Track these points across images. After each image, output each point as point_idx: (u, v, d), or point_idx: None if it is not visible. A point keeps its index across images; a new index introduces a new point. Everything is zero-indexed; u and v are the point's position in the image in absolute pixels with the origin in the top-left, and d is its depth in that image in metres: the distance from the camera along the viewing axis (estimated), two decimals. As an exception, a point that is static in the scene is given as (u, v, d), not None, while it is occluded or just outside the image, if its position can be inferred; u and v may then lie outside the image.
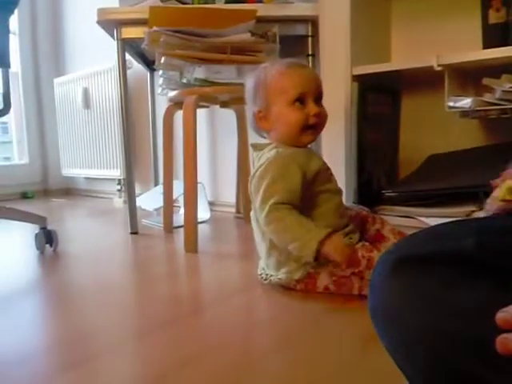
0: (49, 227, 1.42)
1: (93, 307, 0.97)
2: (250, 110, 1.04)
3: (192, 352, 0.74)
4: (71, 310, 0.95)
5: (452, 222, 0.53)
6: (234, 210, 1.96)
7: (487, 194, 1.22)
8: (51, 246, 1.41)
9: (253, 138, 1.82)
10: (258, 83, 1.01)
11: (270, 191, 0.93)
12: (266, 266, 1.04)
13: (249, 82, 1.04)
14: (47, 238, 1.40)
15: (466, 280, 0.42)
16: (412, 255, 0.46)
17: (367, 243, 0.99)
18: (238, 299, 0.98)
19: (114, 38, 1.63)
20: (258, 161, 1.02)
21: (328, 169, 1.03)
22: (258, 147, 1.05)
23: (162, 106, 1.72)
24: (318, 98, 0.99)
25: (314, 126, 0.98)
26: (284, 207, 0.92)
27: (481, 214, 1.17)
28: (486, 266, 0.41)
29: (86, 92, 2.66)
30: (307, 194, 0.96)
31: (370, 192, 1.42)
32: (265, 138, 1.06)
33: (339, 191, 1.04)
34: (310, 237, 0.89)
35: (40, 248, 1.40)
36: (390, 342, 0.48)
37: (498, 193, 0.66)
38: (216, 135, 2.18)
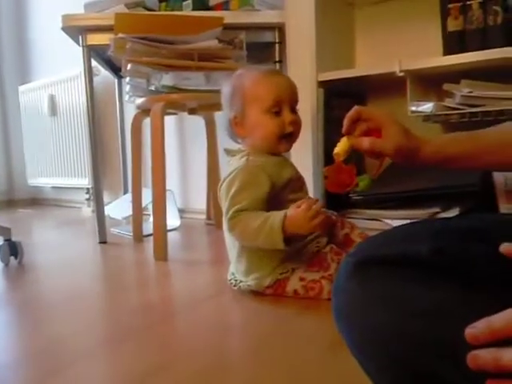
0: (14, 238, 1.38)
1: (61, 318, 0.95)
2: (225, 115, 1.04)
3: (163, 359, 0.73)
4: (39, 323, 0.93)
5: (410, 223, 0.54)
6: (204, 216, 1.95)
7: (446, 196, 1.26)
8: (16, 258, 1.38)
9: (222, 144, 1.83)
10: (234, 89, 1.01)
11: (235, 199, 0.94)
12: (235, 271, 1.04)
13: (225, 88, 1.04)
14: (12, 250, 1.36)
15: (423, 282, 0.43)
16: (371, 257, 0.47)
17: (335, 246, 1.01)
18: (208, 305, 0.98)
19: (79, 45, 1.61)
20: (229, 166, 1.03)
21: (300, 178, 1.05)
22: (230, 152, 1.05)
23: (130, 112, 1.71)
24: (293, 105, 1.00)
25: (289, 135, 0.99)
26: (244, 212, 0.93)
27: (445, 215, 1.20)
28: (441, 269, 0.43)
29: (52, 99, 2.61)
30: (276, 202, 0.97)
31: (337, 196, 1.43)
32: (239, 143, 1.06)
33: (315, 200, 1.05)
34: (270, 226, 0.89)
35: (4, 260, 1.36)
36: (354, 344, 0.49)
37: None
38: (185, 142, 2.17)
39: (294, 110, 1.00)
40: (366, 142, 0.74)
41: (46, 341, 0.82)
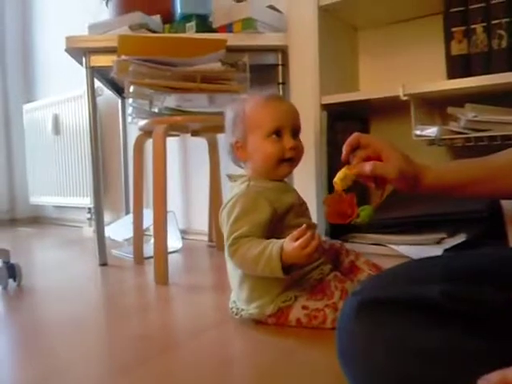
0: (12, 260, 1.36)
1: (60, 346, 0.92)
2: (228, 140, 1.04)
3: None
4: (37, 349, 0.90)
5: (417, 260, 0.52)
6: (206, 238, 1.93)
7: (455, 222, 1.23)
8: (15, 280, 1.35)
9: (225, 166, 1.82)
10: (236, 115, 1.01)
11: (235, 226, 0.92)
12: (237, 299, 1.02)
13: (228, 113, 1.04)
14: (10, 273, 1.34)
15: (428, 325, 0.41)
16: (377, 298, 0.45)
17: (339, 274, 0.99)
18: (209, 335, 0.95)
19: (82, 66, 1.62)
20: (230, 191, 1.02)
21: (303, 203, 1.03)
22: (232, 178, 1.04)
23: (133, 132, 1.71)
24: (295, 131, 0.99)
25: (290, 159, 0.98)
26: (244, 239, 0.91)
27: (451, 241, 1.18)
28: (449, 312, 0.41)
29: (56, 118, 2.62)
30: (279, 228, 0.95)
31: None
32: (242, 168, 1.06)
33: (313, 226, 1.04)
34: (269, 255, 0.87)
35: (2, 283, 1.34)
36: (359, 385, 0.47)
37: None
38: (188, 163, 2.16)
39: (295, 136, 0.99)
40: (367, 167, 0.73)
41: (42, 371, 0.79)
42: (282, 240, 0.87)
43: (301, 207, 1.01)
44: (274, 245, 0.87)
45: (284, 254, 0.85)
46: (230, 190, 1.02)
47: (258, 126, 0.97)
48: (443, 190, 0.74)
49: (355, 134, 0.76)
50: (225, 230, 0.96)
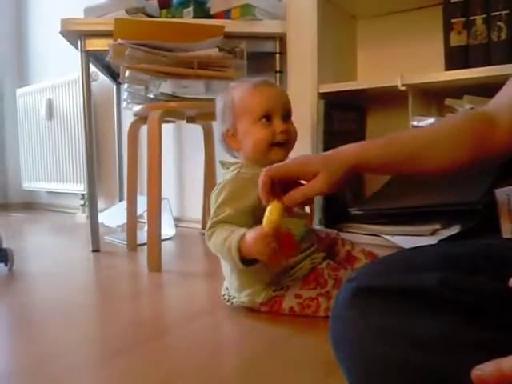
0: (4, 245, 1.35)
1: (52, 332, 0.92)
2: (219, 130, 1.03)
3: (154, 379, 0.70)
4: (29, 335, 0.90)
5: (413, 248, 0.52)
6: (200, 226, 1.92)
7: (447, 213, 1.23)
8: (6, 265, 1.34)
9: (220, 153, 1.80)
10: (226, 103, 1.00)
11: (218, 211, 0.92)
12: (229, 287, 1.02)
13: (218, 103, 1.03)
14: (2, 257, 1.33)
15: (426, 313, 0.41)
16: (372, 286, 0.45)
17: (332, 262, 0.98)
18: (201, 322, 0.95)
19: (78, 50, 1.59)
20: (222, 178, 1.01)
21: None
22: (225, 165, 1.03)
23: (128, 118, 1.69)
24: (285, 115, 0.97)
25: (281, 144, 0.96)
26: (222, 224, 0.90)
27: (445, 232, 1.18)
28: (445, 301, 0.40)
29: (49, 103, 2.59)
30: None
31: (336, 210, 1.41)
32: (236, 157, 1.05)
33: (305, 216, 1.02)
34: (229, 244, 0.83)
35: (-6, 267, 1.33)
36: (352, 374, 0.46)
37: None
38: (183, 150, 2.15)
39: (286, 120, 0.98)
40: (298, 195, 0.66)
41: (34, 358, 0.79)
42: (244, 229, 0.83)
43: None
44: (236, 235, 0.83)
45: (243, 244, 0.81)
46: (222, 177, 1.01)
47: (246, 112, 0.96)
48: (368, 171, 0.71)
49: (264, 176, 0.67)
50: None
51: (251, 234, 0.80)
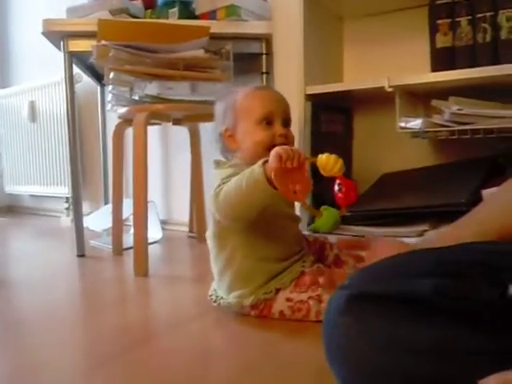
0: (-15, 251, 1.32)
1: (36, 340, 0.89)
2: (217, 130, 1.02)
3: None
4: (11, 344, 0.87)
5: (406, 254, 0.51)
6: (187, 228, 1.91)
7: (435, 214, 1.24)
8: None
9: (207, 155, 1.79)
10: (227, 105, 1.00)
11: (219, 186, 0.89)
12: (217, 288, 1.00)
13: (218, 105, 1.03)
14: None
15: (421, 321, 0.40)
16: (366, 292, 0.44)
17: (322, 266, 0.98)
18: (190, 328, 0.93)
19: (60, 51, 1.56)
20: (214, 178, 0.99)
21: None
22: (219, 165, 1.01)
23: (113, 120, 1.66)
24: (285, 120, 0.98)
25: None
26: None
27: (431, 233, 1.18)
28: (441, 308, 0.40)
29: (32, 105, 2.54)
30: (262, 218, 0.93)
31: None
32: (229, 160, 1.02)
33: (298, 219, 1.04)
34: (252, 169, 0.83)
35: (-25, 274, 1.29)
36: (345, 380, 0.46)
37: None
38: (169, 153, 2.13)
39: (286, 125, 0.98)
40: None
41: (17, 366, 0.77)
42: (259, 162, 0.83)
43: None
44: (255, 168, 0.83)
45: (268, 165, 0.81)
46: (213, 176, 0.99)
47: (248, 113, 0.96)
48: None
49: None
50: (214, 215, 0.93)
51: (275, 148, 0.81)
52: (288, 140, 0.97)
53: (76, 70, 1.99)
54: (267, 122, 0.95)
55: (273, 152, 0.81)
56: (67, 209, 2.42)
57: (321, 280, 0.92)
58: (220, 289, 0.99)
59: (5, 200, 2.85)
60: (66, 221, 2.37)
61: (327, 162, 0.85)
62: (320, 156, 0.86)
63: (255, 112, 0.96)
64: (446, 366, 0.38)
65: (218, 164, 1.01)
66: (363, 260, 1.04)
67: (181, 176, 2.00)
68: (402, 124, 1.26)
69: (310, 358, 0.77)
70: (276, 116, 0.96)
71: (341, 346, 0.44)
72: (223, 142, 1.01)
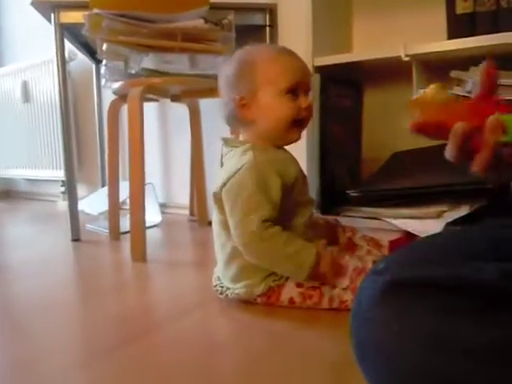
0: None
1: (31, 329, 0.83)
2: (227, 96, 0.89)
3: (144, 381, 0.62)
4: (5, 334, 0.81)
5: (452, 233, 0.42)
6: (187, 212, 1.82)
7: (454, 194, 1.15)
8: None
9: (208, 134, 1.70)
10: (242, 65, 0.87)
11: (252, 203, 0.81)
12: (222, 277, 0.92)
13: (230, 65, 0.90)
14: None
15: (480, 312, 0.32)
16: (408, 279, 0.35)
17: (335, 248, 0.90)
18: (192, 317, 0.85)
19: (51, 23, 1.46)
20: (227, 159, 0.90)
21: (305, 177, 0.93)
22: (229, 143, 0.91)
23: (109, 100, 1.57)
24: (307, 90, 0.89)
25: (302, 121, 0.88)
26: (270, 224, 0.81)
27: (452, 215, 1.10)
28: (508, 298, 0.31)
29: (25, 85, 2.44)
30: (285, 205, 0.85)
31: (333, 193, 1.32)
32: (235, 132, 0.93)
33: (312, 202, 0.95)
34: (302, 261, 0.81)
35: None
36: (380, 382, 0.37)
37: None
38: (168, 132, 2.03)
39: (307, 95, 0.88)
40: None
41: (12, 357, 0.71)
42: (313, 249, 0.83)
43: (304, 180, 0.91)
44: (309, 252, 0.82)
45: (318, 266, 0.82)
46: (226, 158, 0.90)
47: (271, 82, 0.85)
48: None
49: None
50: (229, 207, 0.84)
51: (328, 257, 0.83)
52: (310, 113, 0.89)
53: (71, 47, 1.90)
54: (292, 92, 0.85)
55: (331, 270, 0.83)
56: (63, 192, 2.34)
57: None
58: (225, 278, 0.91)
59: (0, 184, 2.77)
60: (63, 205, 2.28)
61: None
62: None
63: (280, 81, 0.85)
64: (509, 375, 0.30)
65: (226, 143, 0.92)
66: (376, 242, 0.97)
67: (180, 156, 1.91)
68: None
69: (322, 351, 0.70)
70: (301, 86, 0.86)
71: (377, 343, 0.36)
72: (234, 112, 0.88)
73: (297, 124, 0.87)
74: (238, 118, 0.88)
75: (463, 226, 0.98)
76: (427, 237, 0.43)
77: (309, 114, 0.88)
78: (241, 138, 0.92)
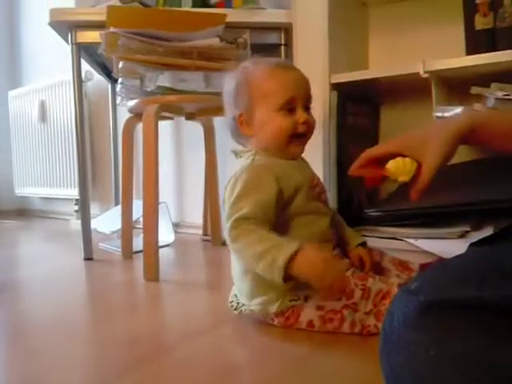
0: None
1: (42, 347, 0.80)
2: (229, 113, 0.90)
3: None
4: (16, 353, 0.78)
5: (489, 250, 0.39)
6: (200, 231, 1.80)
7: (479, 213, 1.11)
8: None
9: (222, 152, 1.69)
10: (240, 83, 0.87)
11: (237, 205, 0.79)
12: (238, 293, 0.89)
13: (228, 83, 0.90)
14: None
15: None
16: (445, 300, 0.32)
17: (357, 270, 0.86)
18: (205, 339, 0.82)
19: (68, 43, 1.48)
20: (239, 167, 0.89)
21: (317, 185, 0.89)
22: (238, 154, 0.91)
23: (125, 119, 1.57)
24: (306, 103, 0.87)
25: (302, 135, 0.86)
26: (249, 222, 0.77)
27: (476, 235, 1.06)
28: None
29: (42, 105, 2.48)
30: (285, 213, 0.83)
31: (350, 212, 1.29)
32: (244, 145, 0.93)
33: (328, 213, 0.90)
34: (273, 259, 0.73)
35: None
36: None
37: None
38: (182, 150, 2.02)
39: (307, 109, 0.87)
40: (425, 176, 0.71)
41: (20, 377, 0.69)
42: (295, 244, 0.73)
43: (313, 189, 0.88)
44: (284, 250, 0.73)
45: (298, 258, 0.72)
46: (237, 167, 0.90)
47: (265, 98, 0.84)
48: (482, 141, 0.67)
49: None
50: (225, 209, 0.84)
51: (313, 254, 0.73)
52: (310, 126, 0.87)
53: (87, 67, 1.92)
54: (289, 108, 0.84)
55: (309, 261, 0.73)
56: (77, 211, 2.34)
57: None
58: (241, 294, 0.88)
59: (15, 203, 2.79)
60: (76, 223, 2.26)
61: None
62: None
63: (275, 97, 0.84)
64: None
65: (236, 154, 0.92)
66: (405, 266, 0.92)
67: (194, 175, 1.89)
68: (439, 114, 1.14)
69: (343, 376, 0.66)
70: (298, 100, 0.84)
71: (414, 371, 0.32)
72: (237, 128, 0.89)
73: (296, 138, 0.85)
74: (240, 133, 0.89)
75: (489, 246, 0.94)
76: (459, 255, 0.40)
77: (308, 128, 0.86)
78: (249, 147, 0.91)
